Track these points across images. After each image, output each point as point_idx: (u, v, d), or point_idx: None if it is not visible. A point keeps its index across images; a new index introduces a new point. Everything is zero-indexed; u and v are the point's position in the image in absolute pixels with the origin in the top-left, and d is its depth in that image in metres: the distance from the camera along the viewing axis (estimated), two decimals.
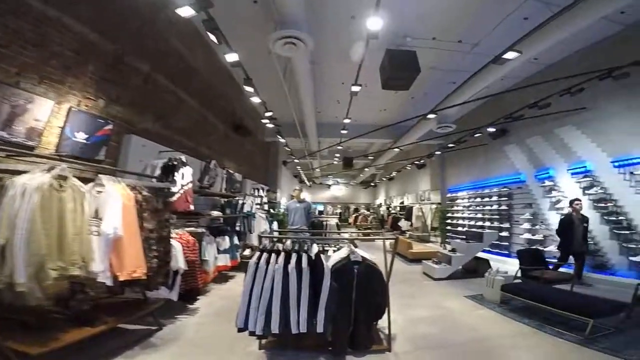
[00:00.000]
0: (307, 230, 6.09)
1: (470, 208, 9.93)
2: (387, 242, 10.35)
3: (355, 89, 6.02)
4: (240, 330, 2.53)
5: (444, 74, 7.12)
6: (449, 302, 4.65)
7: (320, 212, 18.97)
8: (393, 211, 18.96)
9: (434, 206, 12.82)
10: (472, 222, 9.64)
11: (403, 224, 14.55)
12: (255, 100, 6.78)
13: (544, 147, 6.94)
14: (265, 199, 10.05)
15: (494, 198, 8.67)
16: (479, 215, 9.36)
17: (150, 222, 3.04)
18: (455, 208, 10.88)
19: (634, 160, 5.05)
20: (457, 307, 4.42)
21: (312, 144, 12.48)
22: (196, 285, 4.10)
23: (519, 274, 4.90)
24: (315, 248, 2.96)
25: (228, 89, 8.42)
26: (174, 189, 3.88)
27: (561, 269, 5.40)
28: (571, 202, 5.56)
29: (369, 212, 21.37)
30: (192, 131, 6.51)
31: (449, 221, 11.11)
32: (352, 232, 9.80)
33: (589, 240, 5.49)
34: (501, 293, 4.27)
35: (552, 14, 4.23)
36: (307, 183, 24.67)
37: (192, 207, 4.34)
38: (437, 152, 10.35)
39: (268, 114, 7.47)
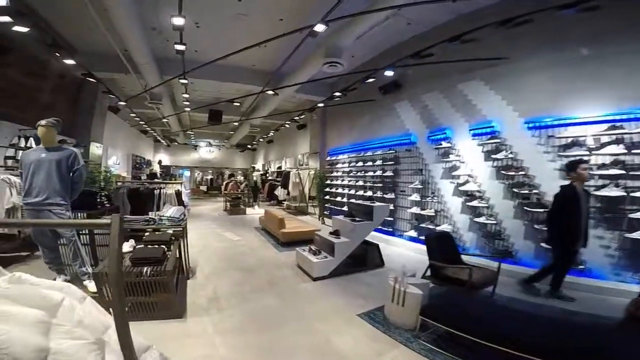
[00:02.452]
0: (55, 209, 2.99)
1: (351, 174, 8.68)
2: (257, 217, 8.05)
3: None
4: None
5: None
6: (339, 335, 2.76)
7: (164, 175, 14.14)
8: (270, 177, 16.89)
9: (312, 172, 11.29)
10: (353, 192, 8.44)
11: (280, 192, 12.65)
12: None
13: (442, 104, 5.86)
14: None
15: (378, 162, 7.51)
16: (360, 183, 8.17)
17: None
18: (335, 174, 9.52)
19: (552, 122, 4.17)
20: (353, 348, 2.56)
21: (153, 84, 8.54)
22: None
23: (428, 272, 3.43)
24: None
25: None
26: None
27: (475, 260, 3.87)
28: (573, 166, 3.52)
29: (243, 179, 18.64)
30: None
31: (328, 189, 9.74)
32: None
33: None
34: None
35: None
36: (164, 142, 19.60)
37: None
38: (319, 105, 8.46)
39: None
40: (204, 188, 22.31)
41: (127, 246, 3.46)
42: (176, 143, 20.98)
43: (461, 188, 5.35)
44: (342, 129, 9.69)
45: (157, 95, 8.96)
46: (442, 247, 3.62)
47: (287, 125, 11.70)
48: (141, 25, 5.93)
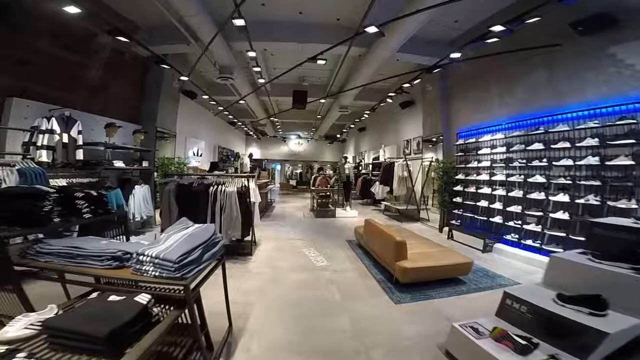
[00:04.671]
0: None
1: (513, 164, 5.19)
2: (350, 223, 5.27)
3: None
4: None
5: None
6: None
7: (214, 166, 9.84)
8: (364, 170, 14.18)
9: (427, 163, 8.09)
10: (518, 193, 4.98)
11: (378, 189, 9.81)
12: None
13: None
14: (77, 140, 4.56)
15: (586, 143, 3.92)
16: (538, 179, 4.63)
17: None
18: (474, 164, 6.13)
19: None
20: None
21: (220, 55, 6.76)
22: None
23: None
24: None
25: None
26: None
27: None
28: None
29: (333, 173, 16.48)
30: None
31: (458, 188, 6.43)
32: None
33: None
34: None
35: None
36: (254, 135, 18.95)
37: None
38: (453, 55, 5.21)
39: None
40: (293, 182, 21.19)
41: (18, 328, 1.21)
42: (267, 136, 20.25)
43: None
44: (484, 96, 6.19)
45: (227, 68, 7.20)
46: None
47: (389, 100, 8.70)
48: None
